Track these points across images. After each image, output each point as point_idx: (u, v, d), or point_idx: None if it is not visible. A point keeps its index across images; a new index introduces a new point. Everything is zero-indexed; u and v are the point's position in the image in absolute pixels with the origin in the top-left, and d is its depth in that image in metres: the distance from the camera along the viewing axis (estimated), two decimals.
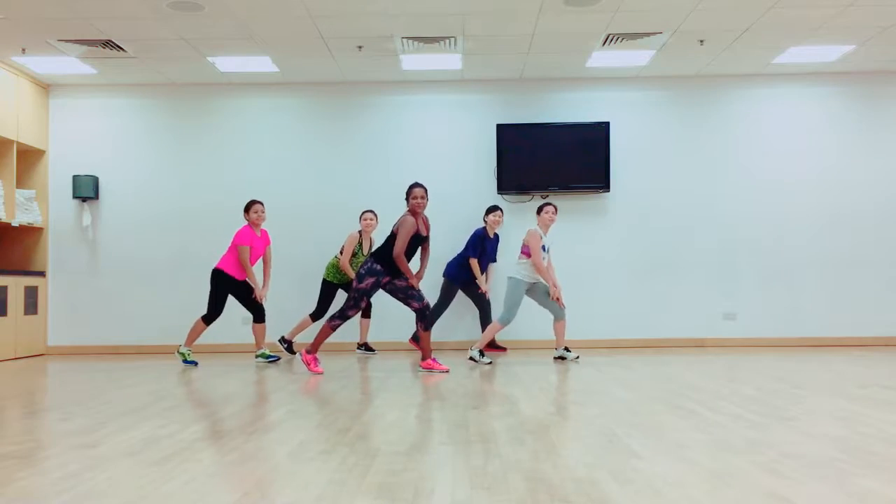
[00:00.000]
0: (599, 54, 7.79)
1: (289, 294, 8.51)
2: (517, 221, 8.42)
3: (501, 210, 7.83)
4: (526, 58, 7.90)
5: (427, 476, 2.75)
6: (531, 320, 8.29)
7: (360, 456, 3.08)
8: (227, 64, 7.97)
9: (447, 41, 7.31)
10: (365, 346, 7.88)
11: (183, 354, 6.95)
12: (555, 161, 8.42)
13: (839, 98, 8.62)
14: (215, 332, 8.29)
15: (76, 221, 8.66)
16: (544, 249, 6.78)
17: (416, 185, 6.11)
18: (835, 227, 8.56)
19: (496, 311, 8.11)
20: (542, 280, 6.81)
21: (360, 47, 7.45)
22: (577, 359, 6.94)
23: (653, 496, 2.45)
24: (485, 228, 7.74)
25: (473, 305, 8.12)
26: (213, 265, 7.52)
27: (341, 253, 7.53)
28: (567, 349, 6.93)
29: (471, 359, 6.80)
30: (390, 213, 8.41)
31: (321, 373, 6.08)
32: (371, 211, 7.73)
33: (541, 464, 2.90)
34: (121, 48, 7.38)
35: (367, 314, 7.83)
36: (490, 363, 6.75)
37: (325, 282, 7.60)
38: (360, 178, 8.57)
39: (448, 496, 2.48)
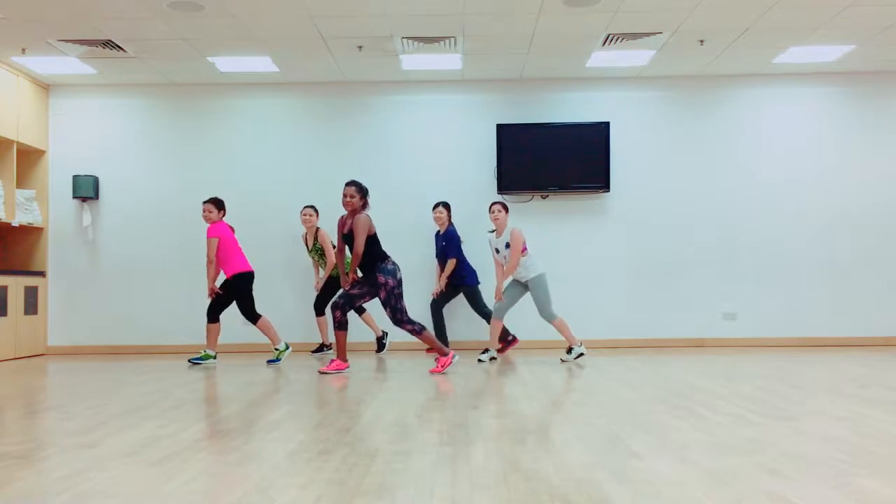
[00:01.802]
0: (599, 54, 7.79)
1: (289, 295, 8.51)
2: (518, 221, 8.40)
3: (442, 205, 7.81)
4: (526, 58, 7.90)
5: (427, 476, 2.75)
6: (531, 321, 8.25)
7: (360, 456, 3.08)
8: (227, 64, 7.97)
9: (447, 41, 7.31)
10: (379, 341, 7.97)
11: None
12: (555, 161, 8.42)
13: (839, 98, 8.62)
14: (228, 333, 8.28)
15: (76, 221, 8.66)
16: (498, 252, 6.86)
17: (347, 183, 6.04)
18: (835, 227, 8.56)
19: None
20: (517, 277, 6.84)
21: (360, 47, 7.45)
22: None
23: (653, 496, 2.45)
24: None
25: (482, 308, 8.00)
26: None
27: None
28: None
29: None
30: (390, 212, 8.42)
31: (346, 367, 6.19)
32: (310, 206, 7.83)
33: (541, 464, 2.91)
34: (121, 48, 7.38)
35: (360, 311, 7.90)
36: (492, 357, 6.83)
37: (329, 277, 7.71)
38: (359, 178, 8.53)
39: (448, 496, 2.48)
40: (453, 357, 6.11)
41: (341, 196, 6.06)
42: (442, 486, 2.61)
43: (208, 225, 7.00)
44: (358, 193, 5.97)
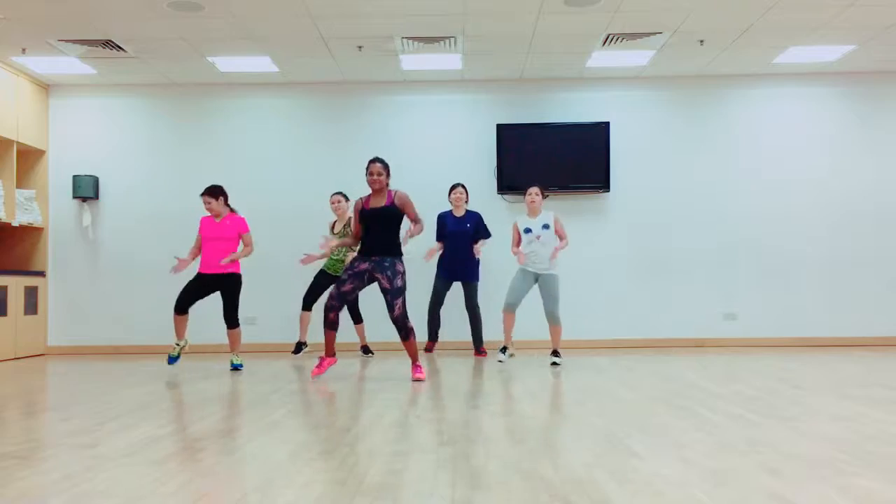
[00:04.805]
0: (599, 54, 7.79)
1: (289, 298, 8.50)
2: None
3: (461, 186, 7.74)
4: (526, 58, 7.90)
5: (427, 476, 2.75)
6: (530, 321, 8.25)
7: (360, 456, 3.08)
8: (227, 64, 7.97)
9: (447, 41, 7.31)
10: (364, 349, 7.85)
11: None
12: (555, 161, 8.42)
13: (839, 98, 8.62)
14: (215, 332, 8.28)
15: (76, 221, 8.66)
16: (529, 231, 6.69)
17: (372, 160, 5.72)
18: (835, 227, 8.56)
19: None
20: (535, 269, 6.70)
21: (360, 47, 7.45)
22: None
23: (653, 496, 2.45)
24: (450, 210, 7.82)
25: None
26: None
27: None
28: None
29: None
30: None
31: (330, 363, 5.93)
32: (339, 193, 7.59)
33: (541, 464, 2.90)
34: (121, 48, 7.38)
35: (358, 320, 7.66)
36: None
37: (320, 271, 7.55)
38: (360, 177, 8.46)
39: (448, 496, 2.48)
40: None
41: (366, 174, 5.69)
42: (442, 486, 2.61)
43: (229, 215, 6.64)
44: (385, 171, 5.71)
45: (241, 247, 6.67)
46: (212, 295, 6.67)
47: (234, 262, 6.54)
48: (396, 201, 5.70)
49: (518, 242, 6.76)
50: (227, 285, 6.55)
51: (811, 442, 3.26)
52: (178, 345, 6.64)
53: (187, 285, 6.55)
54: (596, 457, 3.01)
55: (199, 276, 6.56)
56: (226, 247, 6.55)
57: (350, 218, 7.47)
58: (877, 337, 8.47)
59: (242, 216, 6.79)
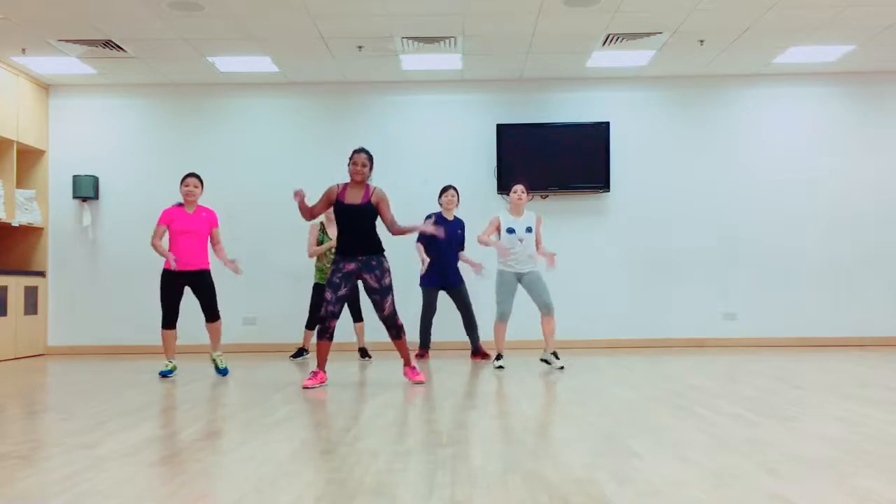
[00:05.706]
0: (599, 54, 7.79)
1: (289, 298, 8.50)
2: None
3: (454, 189, 7.53)
4: (526, 58, 7.90)
5: (426, 476, 2.75)
6: (531, 320, 8.23)
7: (360, 456, 3.08)
8: (227, 64, 7.97)
9: (447, 41, 7.31)
10: (362, 351, 7.68)
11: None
12: (555, 161, 8.43)
13: (839, 98, 8.62)
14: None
15: (76, 221, 8.66)
16: (512, 232, 6.49)
17: (357, 150, 5.47)
18: (835, 227, 8.56)
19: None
20: (517, 270, 6.51)
21: (360, 47, 7.46)
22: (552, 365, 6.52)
23: (653, 496, 2.45)
24: (440, 212, 7.55)
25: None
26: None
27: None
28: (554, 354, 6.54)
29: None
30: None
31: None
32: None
33: (541, 464, 2.91)
34: (121, 48, 7.38)
35: (358, 318, 7.53)
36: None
37: (315, 286, 7.36)
38: None
39: (448, 496, 2.48)
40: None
41: (350, 164, 5.43)
42: (442, 486, 2.61)
43: (201, 206, 6.32)
44: (369, 163, 5.42)
45: (219, 243, 6.37)
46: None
47: (205, 256, 6.26)
48: (373, 198, 5.39)
49: (489, 234, 6.50)
50: (203, 282, 6.23)
51: (811, 442, 3.26)
52: (171, 361, 6.27)
53: (166, 294, 6.15)
54: (596, 457, 3.01)
55: (172, 276, 6.15)
56: (198, 241, 6.22)
57: None
58: (877, 337, 8.47)
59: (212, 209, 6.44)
